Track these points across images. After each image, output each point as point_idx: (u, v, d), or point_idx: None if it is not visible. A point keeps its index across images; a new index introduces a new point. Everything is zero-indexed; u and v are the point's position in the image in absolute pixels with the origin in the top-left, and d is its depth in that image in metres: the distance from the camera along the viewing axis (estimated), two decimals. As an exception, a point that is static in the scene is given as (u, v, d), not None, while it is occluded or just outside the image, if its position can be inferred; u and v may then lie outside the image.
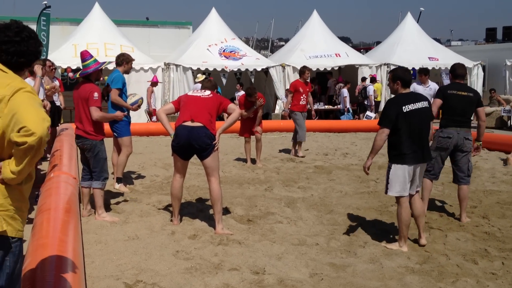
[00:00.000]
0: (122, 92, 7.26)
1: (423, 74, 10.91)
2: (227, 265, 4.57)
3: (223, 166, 8.92)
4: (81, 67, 6.04)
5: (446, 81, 19.43)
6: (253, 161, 9.85)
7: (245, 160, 9.98)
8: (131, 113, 7.53)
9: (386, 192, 5.18)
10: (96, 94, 5.78)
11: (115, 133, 7.45)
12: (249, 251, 4.93)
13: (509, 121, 17.19)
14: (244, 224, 5.90)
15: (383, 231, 5.63)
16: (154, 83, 15.65)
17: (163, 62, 17.78)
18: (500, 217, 6.16)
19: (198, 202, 6.87)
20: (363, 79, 18.47)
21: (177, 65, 17.56)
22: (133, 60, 7.73)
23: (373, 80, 18.25)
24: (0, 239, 2.42)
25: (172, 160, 6.01)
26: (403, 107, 4.92)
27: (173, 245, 5.10)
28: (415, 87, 10.88)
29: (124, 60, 7.39)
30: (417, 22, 22.95)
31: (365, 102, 18.03)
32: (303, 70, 10.77)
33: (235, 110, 5.74)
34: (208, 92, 5.81)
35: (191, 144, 5.46)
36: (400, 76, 5.09)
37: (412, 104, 4.95)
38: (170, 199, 5.99)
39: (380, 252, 4.98)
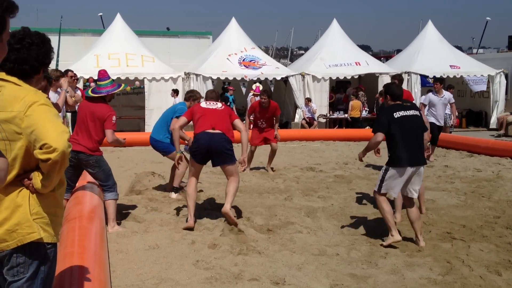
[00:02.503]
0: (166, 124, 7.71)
1: (438, 82, 11.03)
2: (247, 275, 4.57)
3: (242, 176, 8.93)
4: (96, 85, 6.06)
5: (474, 86, 19.23)
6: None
7: (264, 168, 10.02)
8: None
9: (377, 190, 5.50)
10: (114, 118, 5.81)
11: (162, 152, 7.85)
12: (269, 261, 4.92)
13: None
14: (264, 233, 5.89)
15: (403, 241, 5.56)
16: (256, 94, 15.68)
17: (184, 71, 17.92)
18: (524, 227, 6.05)
19: (217, 211, 6.89)
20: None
21: (197, 75, 17.68)
22: (201, 97, 7.89)
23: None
24: (36, 246, 2.47)
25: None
26: (394, 114, 5.44)
27: (193, 254, 5.11)
28: (430, 97, 10.96)
29: (191, 97, 7.68)
30: (483, 33, 23.19)
31: None
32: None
33: (241, 130, 6.27)
34: (219, 104, 6.30)
35: (211, 148, 5.96)
36: (390, 91, 5.79)
37: (402, 111, 5.47)
38: (186, 201, 6.18)
39: (402, 263, 4.92)
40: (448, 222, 6.31)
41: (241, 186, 8.61)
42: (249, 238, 5.63)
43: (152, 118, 17.44)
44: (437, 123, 11.08)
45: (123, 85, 6.43)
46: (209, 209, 6.99)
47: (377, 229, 6.00)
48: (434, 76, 19.18)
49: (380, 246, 5.41)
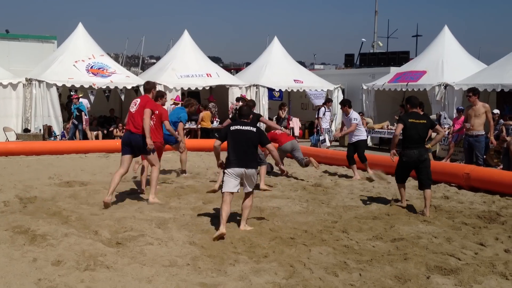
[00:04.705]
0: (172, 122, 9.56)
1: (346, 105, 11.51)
2: (95, 291, 4.41)
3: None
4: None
5: (315, 100, 20.60)
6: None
7: None
8: None
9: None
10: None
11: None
12: (117, 276, 4.80)
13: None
14: (113, 247, 5.73)
15: (251, 248, 5.79)
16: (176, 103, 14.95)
17: (25, 77, 16.76)
18: (357, 231, 6.65)
19: (61, 225, 6.53)
20: (238, 99, 18.89)
21: (40, 81, 16.65)
22: (196, 105, 11.26)
23: (243, 100, 18.69)
24: None
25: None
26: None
27: (34, 273, 4.81)
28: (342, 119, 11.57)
29: (189, 104, 10.69)
30: (359, 53, 24.51)
31: None
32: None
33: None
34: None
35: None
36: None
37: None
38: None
39: (249, 269, 5.12)
40: (292, 228, 6.71)
41: (91, 200, 8.29)
42: (97, 253, 5.44)
43: (-12, 126, 16.05)
44: (350, 141, 11.31)
45: None
46: (55, 223, 6.60)
47: (226, 238, 6.16)
48: (280, 90, 20.31)
49: (231, 253, 5.57)
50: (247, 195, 6.78)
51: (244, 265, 5.24)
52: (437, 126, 8.28)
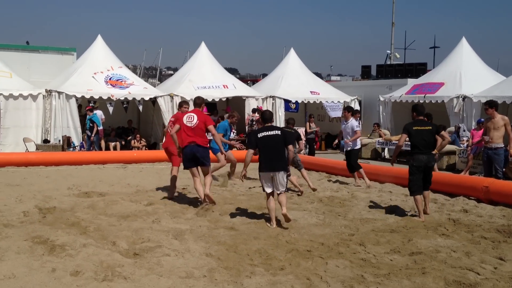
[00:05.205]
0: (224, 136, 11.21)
1: (346, 111, 12.07)
2: (112, 302, 4.45)
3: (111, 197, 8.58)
4: None
5: (331, 112, 20.61)
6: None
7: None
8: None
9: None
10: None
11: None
12: (135, 287, 4.84)
13: (382, 152, 18.52)
14: (130, 258, 5.77)
15: (267, 259, 5.78)
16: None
17: (45, 88, 17.01)
18: (375, 244, 6.60)
19: (79, 235, 6.61)
20: (254, 110, 18.97)
21: (59, 92, 16.89)
22: (237, 117, 12.22)
23: (260, 112, 18.77)
24: None
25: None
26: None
27: (53, 283, 4.86)
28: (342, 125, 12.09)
29: (230, 116, 11.95)
30: (385, 63, 24.56)
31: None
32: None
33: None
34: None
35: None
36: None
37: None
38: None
39: (266, 281, 5.11)
40: (308, 240, 6.69)
41: (109, 210, 8.37)
42: (115, 263, 5.48)
43: (8, 137, 16.31)
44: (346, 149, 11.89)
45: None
46: (74, 234, 6.68)
47: (243, 250, 6.16)
48: (297, 101, 20.33)
49: (247, 265, 5.57)
50: (280, 196, 7.52)
51: (260, 277, 5.24)
52: (443, 132, 8.53)
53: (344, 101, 20.91)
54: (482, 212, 8.62)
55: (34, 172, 12.92)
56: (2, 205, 8.48)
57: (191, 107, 10.82)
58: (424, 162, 8.03)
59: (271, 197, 7.51)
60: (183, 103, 10.16)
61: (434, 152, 8.31)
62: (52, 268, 5.27)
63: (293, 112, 20.41)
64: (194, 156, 8.59)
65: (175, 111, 18.24)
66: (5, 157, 14.13)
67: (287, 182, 7.70)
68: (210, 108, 21.19)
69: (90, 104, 17.68)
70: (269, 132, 7.59)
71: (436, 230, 7.38)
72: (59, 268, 5.27)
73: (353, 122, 11.67)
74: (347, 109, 12.28)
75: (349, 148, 11.67)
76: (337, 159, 15.90)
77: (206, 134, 8.85)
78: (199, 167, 8.72)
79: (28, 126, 16.74)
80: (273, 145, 7.50)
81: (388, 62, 29.70)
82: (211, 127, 8.73)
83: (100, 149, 17.18)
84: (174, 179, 9.70)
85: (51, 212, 8.12)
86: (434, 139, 8.23)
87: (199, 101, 9.11)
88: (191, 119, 8.68)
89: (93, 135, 16.95)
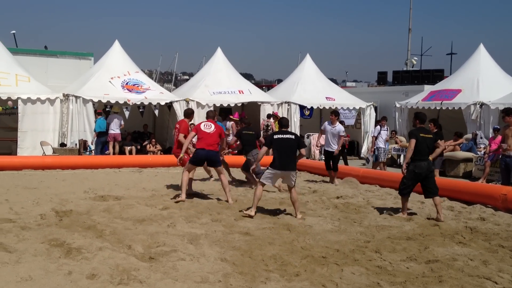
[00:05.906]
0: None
1: (333, 115, 12.85)
2: (128, 305, 4.46)
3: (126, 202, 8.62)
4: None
5: (346, 121, 20.58)
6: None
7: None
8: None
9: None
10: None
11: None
12: (150, 290, 4.84)
13: (398, 159, 18.41)
14: (146, 262, 5.79)
15: (283, 265, 5.77)
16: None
17: (62, 93, 17.20)
18: (391, 251, 6.55)
19: (96, 238, 6.65)
20: (269, 116, 18.98)
21: (76, 97, 17.05)
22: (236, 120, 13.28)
23: (275, 117, 18.80)
24: None
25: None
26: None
27: (70, 286, 4.89)
28: (325, 126, 12.36)
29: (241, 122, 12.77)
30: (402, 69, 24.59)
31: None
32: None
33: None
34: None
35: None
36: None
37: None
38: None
39: (280, 287, 5.10)
40: (324, 247, 6.66)
41: (124, 214, 8.41)
42: (130, 267, 5.50)
43: (25, 141, 16.49)
44: (329, 149, 12.64)
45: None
46: (90, 237, 6.72)
47: (258, 255, 6.15)
48: (311, 107, 20.31)
49: (262, 271, 5.56)
50: (290, 188, 8.55)
51: (275, 283, 5.22)
52: (439, 141, 9.18)
53: (360, 107, 20.83)
54: (500, 221, 8.51)
55: (51, 175, 13.04)
56: (19, 207, 8.58)
57: (201, 117, 12.05)
58: (425, 168, 8.54)
59: (261, 187, 8.52)
60: (192, 114, 11.24)
61: (430, 158, 8.75)
62: (68, 271, 5.31)
63: (306, 118, 20.37)
64: (207, 159, 9.79)
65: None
66: (22, 160, 14.31)
67: (295, 178, 8.62)
68: (225, 113, 21.24)
69: (112, 108, 17.92)
70: (284, 135, 8.60)
71: (453, 238, 7.31)
72: (75, 271, 5.31)
73: (339, 127, 12.52)
74: (334, 113, 12.87)
75: (330, 150, 12.59)
76: (353, 165, 15.83)
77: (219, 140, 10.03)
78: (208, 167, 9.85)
79: (46, 129, 16.91)
80: (287, 147, 8.47)
81: (400, 69, 29.53)
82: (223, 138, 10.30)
83: (101, 153, 17.28)
84: (187, 181, 10.09)
85: (68, 215, 8.19)
86: (434, 147, 8.78)
87: (212, 114, 10.50)
88: (209, 126, 9.90)
89: (92, 138, 17.16)
